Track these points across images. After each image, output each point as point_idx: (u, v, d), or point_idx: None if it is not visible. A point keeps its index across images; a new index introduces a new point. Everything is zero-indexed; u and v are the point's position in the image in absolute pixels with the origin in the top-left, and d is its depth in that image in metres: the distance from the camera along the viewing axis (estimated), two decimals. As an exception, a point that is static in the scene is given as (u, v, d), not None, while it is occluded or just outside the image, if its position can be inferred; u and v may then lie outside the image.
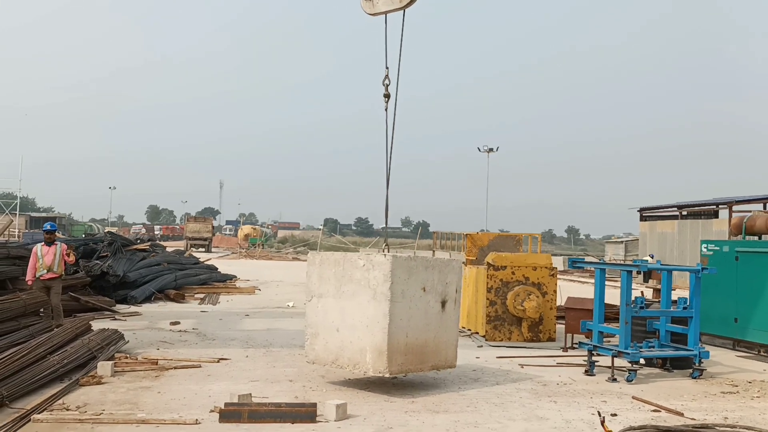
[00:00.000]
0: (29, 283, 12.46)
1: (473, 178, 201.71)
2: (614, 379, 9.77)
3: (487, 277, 13.44)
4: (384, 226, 9.88)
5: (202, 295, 21.15)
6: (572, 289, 23.68)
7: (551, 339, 13.44)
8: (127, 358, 10.25)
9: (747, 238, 13.35)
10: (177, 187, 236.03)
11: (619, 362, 10.12)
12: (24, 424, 6.83)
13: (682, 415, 7.87)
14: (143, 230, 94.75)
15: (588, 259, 31.71)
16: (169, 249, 29.45)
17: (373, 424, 7.20)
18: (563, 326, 13.25)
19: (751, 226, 13.20)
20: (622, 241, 61.80)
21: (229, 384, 8.76)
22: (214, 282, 25.04)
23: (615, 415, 7.76)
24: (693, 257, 26.70)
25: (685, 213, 33.81)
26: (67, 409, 7.37)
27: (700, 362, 10.19)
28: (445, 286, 9.09)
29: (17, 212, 65.71)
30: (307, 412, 7.24)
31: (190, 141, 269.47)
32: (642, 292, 12.73)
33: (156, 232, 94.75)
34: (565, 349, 12.42)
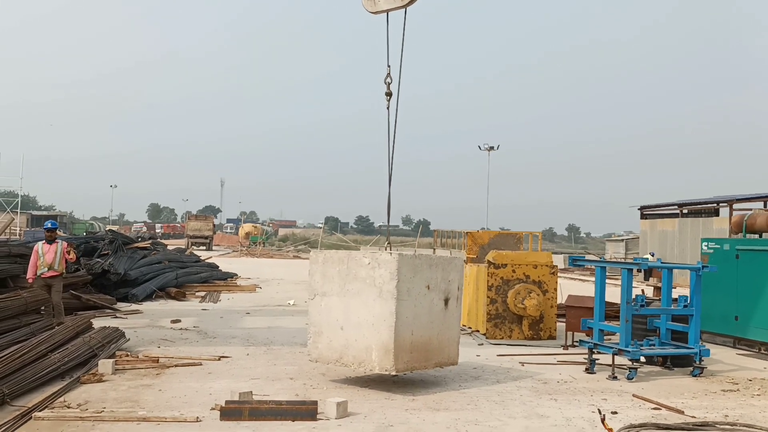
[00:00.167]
0: (30, 281, 12.47)
1: (474, 176, 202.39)
2: (615, 377, 9.78)
3: (488, 275, 13.45)
4: (386, 224, 9.86)
5: (203, 293, 21.17)
6: (573, 287, 23.70)
7: (552, 337, 13.45)
8: (128, 356, 10.25)
9: (747, 236, 13.35)
10: (178, 185, 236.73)
11: (620, 360, 10.13)
12: (25, 422, 6.83)
13: (682, 413, 7.87)
14: (144, 228, 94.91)
15: (588, 257, 31.69)
16: (170, 247, 29.55)
17: (373, 421, 7.21)
18: (564, 324, 13.27)
19: (752, 225, 13.20)
20: (622, 240, 61.83)
21: (230, 382, 8.77)
22: (215, 280, 25.06)
23: (615, 413, 7.76)
24: (693, 255, 26.73)
25: (685, 211, 33.83)
26: (68, 407, 7.37)
27: (700, 360, 10.19)
28: (447, 284, 9.10)
29: (18, 210, 65.64)
30: (307, 410, 7.24)
31: (192, 139, 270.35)
32: (642, 290, 12.70)
33: (157, 231, 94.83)
34: (565, 347, 12.43)
